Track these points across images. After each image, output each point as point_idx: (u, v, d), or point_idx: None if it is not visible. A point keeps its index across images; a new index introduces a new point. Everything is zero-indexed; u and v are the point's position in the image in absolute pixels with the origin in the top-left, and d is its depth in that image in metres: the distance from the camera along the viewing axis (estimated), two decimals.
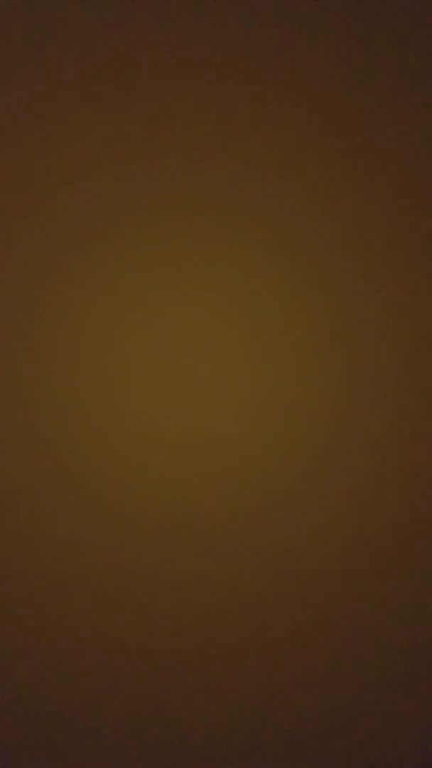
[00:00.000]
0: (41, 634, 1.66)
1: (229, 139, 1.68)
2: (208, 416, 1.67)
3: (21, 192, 1.68)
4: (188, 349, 1.68)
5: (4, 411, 1.67)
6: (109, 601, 1.66)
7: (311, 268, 1.68)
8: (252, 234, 1.68)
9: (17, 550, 1.66)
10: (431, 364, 1.68)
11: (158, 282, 1.68)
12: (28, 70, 1.68)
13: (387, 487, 1.67)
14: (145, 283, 1.68)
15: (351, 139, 1.69)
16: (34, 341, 1.67)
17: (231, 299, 1.68)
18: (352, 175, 1.69)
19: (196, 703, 1.66)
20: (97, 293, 1.68)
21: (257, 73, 1.68)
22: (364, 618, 1.66)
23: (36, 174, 1.68)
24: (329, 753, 1.66)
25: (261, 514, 1.66)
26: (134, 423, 1.67)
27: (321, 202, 1.68)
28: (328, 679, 1.66)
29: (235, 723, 1.66)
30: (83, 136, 1.68)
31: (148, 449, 1.66)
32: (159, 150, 1.68)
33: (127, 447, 1.67)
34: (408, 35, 1.69)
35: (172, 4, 1.68)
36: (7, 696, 1.65)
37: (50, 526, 1.66)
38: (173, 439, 1.67)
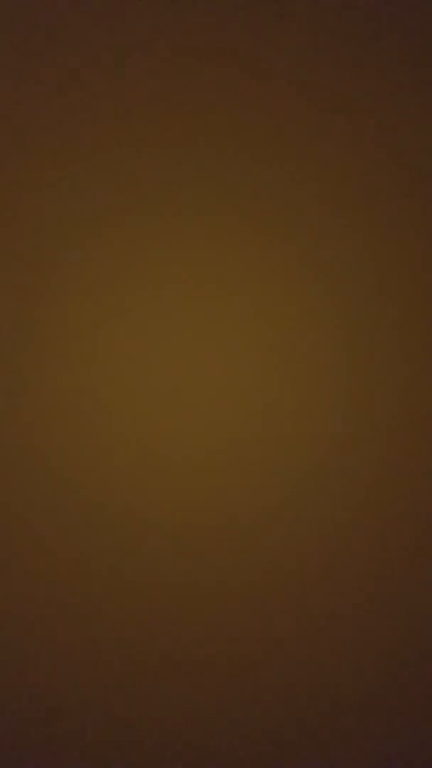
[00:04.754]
0: (41, 643, 1.66)
1: (230, 130, 1.68)
2: (208, 422, 1.67)
3: (17, 189, 1.69)
4: (188, 350, 1.68)
5: (3, 417, 1.67)
6: (109, 611, 1.66)
7: (314, 268, 1.68)
8: (253, 232, 1.68)
9: (17, 562, 1.66)
10: None
11: (158, 282, 1.68)
12: (26, 63, 1.69)
13: (391, 497, 1.67)
14: (144, 285, 1.68)
15: (352, 130, 1.69)
16: (32, 345, 1.68)
17: (232, 299, 1.68)
18: (355, 167, 1.69)
19: (196, 710, 1.66)
20: (95, 295, 1.68)
21: (256, 63, 1.69)
22: (368, 627, 1.66)
23: (34, 168, 1.69)
24: (329, 760, 1.66)
25: (262, 524, 1.67)
26: (133, 430, 1.67)
27: (324, 196, 1.68)
28: (330, 687, 1.66)
29: (234, 731, 1.66)
30: (81, 128, 1.68)
31: (148, 459, 1.67)
32: (159, 142, 1.68)
33: (126, 456, 1.67)
34: (410, 21, 1.69)
35: None
36: (6, 700, 1.66)
37: (49, 537, 1.66)
38: (173, 448, 1.67)
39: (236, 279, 1.68)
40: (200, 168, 1.68)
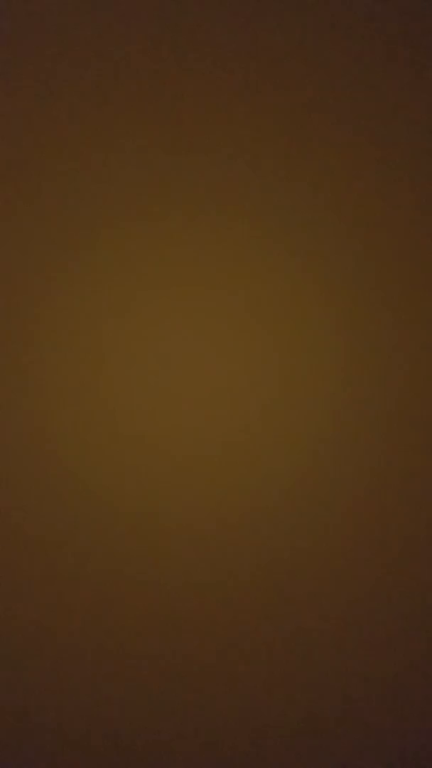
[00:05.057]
0: (42, 640, 1.66)
1: (231, 131, 1.69)
2: (208, 419, 1.67)
3: (17, 186, 1.69)
4: (188, 350, 1.68)
5: (4, 416, 1.67)
6: (110, 607, 1.66)
7: (314, 268, 1.68)
8: (253, 232, 1.68)
9: (19, 557, 1.66)
10: None
11: (157, 282, 1.68)
12: (27, 62, 1.69)
13: (389, 493, 1.67)
14: (144, 285, 1.68)
15: (353, 131, 1.69)
16: (32, 344, 1.68)
17: (232, 299, 1.68)
18: (355, 167, 1.69)
19: (195, 709, 1.66)
20: (96, 295, 1.68)
21: (257, 63, 1.69)
22: (368, 627, 1.66)
23: (34, 166, 1.68)
24: (330, 759, 1.66)
25: (261, 524, 1.66)
26: (134, 427, 1.67)
27: (324, 196, 1.69)
28: (330, 685, 1.66)
29: (233, 730, 1.66)
30: (82, 126, 1.69)
31: (147, 458, 1.67)
32: (160, 143, 1.68)
33: (126, 455, 1.67)
34: (410, 24, 1.70)
35: None
36: (5, 700, 1.66)
37: (53, 533, 1.66)
38: (173, 447, 1.67)
39: (236, 279, 1.68)
40: (201, 169, 1.68)
